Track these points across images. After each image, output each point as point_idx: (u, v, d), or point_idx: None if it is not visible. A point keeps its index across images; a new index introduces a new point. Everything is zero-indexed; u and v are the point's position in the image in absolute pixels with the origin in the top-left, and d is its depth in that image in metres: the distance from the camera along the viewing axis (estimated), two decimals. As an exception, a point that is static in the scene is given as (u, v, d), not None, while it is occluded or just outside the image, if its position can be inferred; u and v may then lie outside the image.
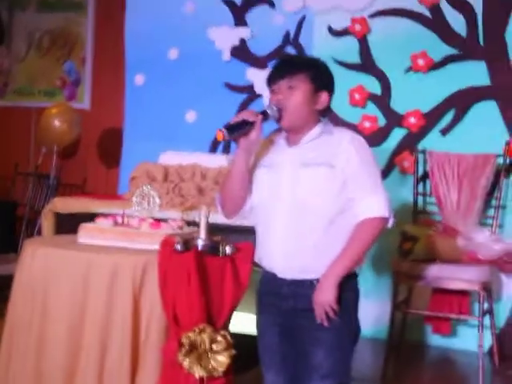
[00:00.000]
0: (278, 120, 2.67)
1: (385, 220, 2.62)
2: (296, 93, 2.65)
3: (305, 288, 2.63)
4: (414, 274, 4.55)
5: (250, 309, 2.88)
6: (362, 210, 2.61)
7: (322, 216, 2.60)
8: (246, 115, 2.62)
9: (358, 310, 2.74)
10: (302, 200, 2.60)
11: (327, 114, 2.78)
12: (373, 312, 5.24)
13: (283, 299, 2.67)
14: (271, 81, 2.69)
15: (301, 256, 2.61)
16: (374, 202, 2.61)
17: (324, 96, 2.71)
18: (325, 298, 2.57)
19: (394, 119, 5.50)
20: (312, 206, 2.59)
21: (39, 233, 5.38)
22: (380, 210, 2.61)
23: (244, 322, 3.66)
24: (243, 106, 6.01)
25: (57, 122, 6.66)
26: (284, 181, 2.65)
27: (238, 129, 2.61)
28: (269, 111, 2.65)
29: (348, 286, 2.64)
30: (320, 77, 2.71)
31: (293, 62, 2.77)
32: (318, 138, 2.68)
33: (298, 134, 2.70)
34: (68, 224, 4.54)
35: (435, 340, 5.28)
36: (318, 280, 2.60)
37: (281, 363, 2.73)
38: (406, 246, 4.63)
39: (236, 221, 2.95)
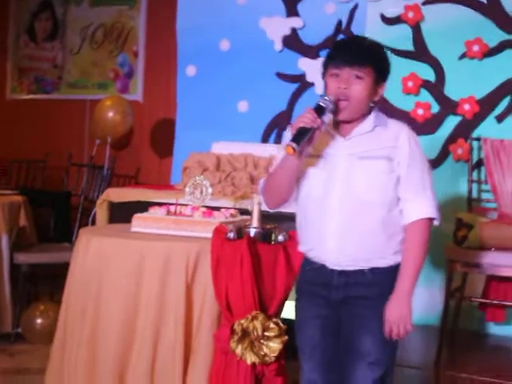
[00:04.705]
0: (335, 112, 2.53)
1: (433, 220, 2.58)
2: (361, 85, 2.52)
3: (356, 277, 2.58)
4: (468, 261, 4.51)
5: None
6: (413, 210, 2.56)
7: (377, 209, 2.54)
8: (307, 120, 2.47)
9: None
10: (359, 193, 2.52)
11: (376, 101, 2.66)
12: (424, 299, 5.22)
13: (333, 289, 2.60)
14: (336, 64, 2.55)
15: (355, 248, 2.55)
16: (423, 203, 2.56)
17: (382, 87, 2.61)
18: (398, 315, 2.52)
19: (448, 106, 5.44)
20: (369, 199, 2.53)
21: (93, 222, 5.44)
22: (430, 211, 2.56)
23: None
24: (295, 96, 6.01)
25: (110, 114, 6.72)
26: (339, 174, 2.55)
27: (303, 136, 2.47)
28: (323, 104, 2.49)
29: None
30: (383, 68, 2.60)
31: (363, 50, 2.57)
32: (372, 130, 2.58)
33: (350, 125, 2.59)
34: (121, 213, 4.58)
35: (489, 328, 5.23)
36: (369, 269, 2.56)
37: (321, 355, 2.67)
38: (460, 233, 4.58)
39: (288, 209, 2.91)
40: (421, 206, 2.56)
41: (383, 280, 2.58)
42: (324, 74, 2.61)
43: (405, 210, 2.57)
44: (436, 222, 2.60)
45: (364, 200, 2.52)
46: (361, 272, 2.58)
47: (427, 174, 2.61)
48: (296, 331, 2.75)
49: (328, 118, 2.57)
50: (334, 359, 2.65)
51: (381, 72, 2.58)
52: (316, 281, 2.65)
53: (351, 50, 2.57)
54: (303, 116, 2.48)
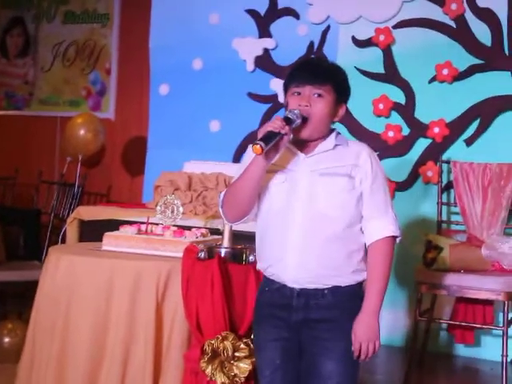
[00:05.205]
0: (297, 130, 2.56)
1: (396, 238, 2.61)
2: (322, 103, 2.57)
3: (317, 298, 2.57)
4: (437, 283, 4.54)
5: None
6: (376, 229, 2.58)
7: (338, 224, 2.54)
8: (276, 125, 2.48)
9: None
10: (320, 210, 2.54)
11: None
12: (388, 319, 5.25)
13: (293, 311, 2.59)
14: (296, 82, 2.60)
15: (315, 263, 2.54)
16: (386, 222, 2.59)
17: (343, 109, 2.65)
18: (367, 334, 2.53)
19: (418, 129, 5.49)
20: (329, 215, 2.54)
21: (63, 240, 5.40)
22: (393, 229, 2.59)
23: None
24: (267, 116, 6.03)
25: (82, 132, 6.71)
26: (301, 189, 2.57)
27: (271, 139, 2.48)
28: (291, 116, 2.52)
29: (361, 296, 2.61)
30: (343, 89, 2.65)
31: (323, 69, 2.64)
32: (333, 148, 2.61)
33: (311, 143, 2.62)
34: (92, 232, 4.57)
35: (458, 349, 5.26)
36: (329, 290, 2.56)
37: (282, 378, 2.64)
38: (429, 255, 4.61)
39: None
40: (384, 225, 2.58)
41: (344, 302, 2.58)
42: (285, 94, 2.65)
43: (368, 230, 2.59)
44: (397, 241, 2.62)
45: (325, 214, 2.53)
46: (321, 293, 2.57)
47: (388, 193, 2.65)
48: (256, 354, 2.74)
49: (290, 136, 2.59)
50: (295, 382, 2.63)
51: (341, 92, 2.63)
52: (275, 302, 2.63)
53: (311, 69, 2.63)
54: (272, 122, 2.51)
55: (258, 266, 2.71)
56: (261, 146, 2.43)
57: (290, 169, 2.61)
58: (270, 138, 2.47)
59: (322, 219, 2.53)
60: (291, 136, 2.57)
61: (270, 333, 2.64)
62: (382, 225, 2.58)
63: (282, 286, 2.60)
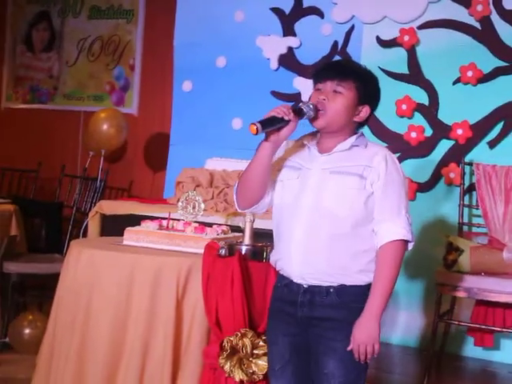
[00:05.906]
0: (313, 119, 2.59)
1: (407, 243, 2.58)
2: (340, 98, 2.59)
3: (321, 296, 2.58)
4: (457, 285, 4.53)
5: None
6: (387, 232, 2.56)
7: (344, 223, 2.54)
8: (280, 111, 2.53)
9: None
10: (327, 207, 2.55)
11: (362, 127, 2.72)
12: (403, 320, 5.24)
13: (299, 307, 2.61)
14: (319, 78, 2.63)
15: (318, 260, 2.55)
16: (398, 225, 2.56)
17: (365, 110, 2.65)
18: (367, 335, 2.52)
19: (442, 130, 5.47)
20: (336, 213, 2.54)
21: (85, 234, 5.44)
22: (404, 233, 2.56)
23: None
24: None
25: (105, 127, 6.75)
26: (310, 186, 2.59)
27: (272, 124, 2.51)
28: (304, 108, 2.54)
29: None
30: (367, 90, 2.65)
31: (345, 67, 2.70)
32: (350, 149, 2.62)
33: (330, 141, 2.63)
34: (113, 226, 4.58)
35: (477, 352, 5.22)
36: (334, 289, 2.56)
37: (292, 373, 2.66)
38: (450, 257, 4.60)
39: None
40: (395, 228, 2.56)
41: (350, 302, 2.57)
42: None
43: (378, 232, 2.58)
44: (410, 246, 2.60)
45: (331, 212, 2.54)
46: (326, 291, 2.57)
47: (404, 196, 2.61)
48: (267, 348, 2.78)
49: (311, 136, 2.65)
50: (304, 378, 2.66)
51: (364, 92, 2.63)
52: (284, 297, 2.66)
53: (334, 67, 2.70)
54: (277, 107, 2.55)
55: (271, 260, 2.75)
56: (257, 127, 2.47)
57: (305, 166, 2.64)
58: (270, 121, 2.51)
59: (328, 217, 2.55)
60: (318, 126, 2.60)
61: (280, 328, 2.67)
62: (393, 228, 2.56)
63: (290, 281, 2.63)
